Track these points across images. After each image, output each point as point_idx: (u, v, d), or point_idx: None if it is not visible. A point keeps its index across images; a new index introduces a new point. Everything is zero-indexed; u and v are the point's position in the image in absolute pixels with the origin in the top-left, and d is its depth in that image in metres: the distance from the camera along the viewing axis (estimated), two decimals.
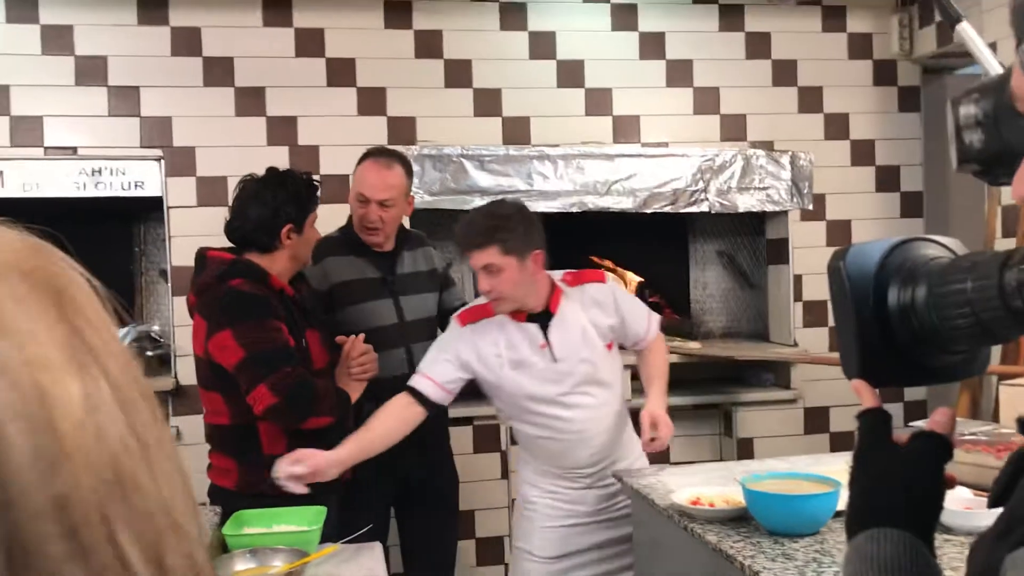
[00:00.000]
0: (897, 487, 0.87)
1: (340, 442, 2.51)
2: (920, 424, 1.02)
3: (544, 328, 2.56)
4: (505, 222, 2.42)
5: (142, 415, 0.41)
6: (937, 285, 0.91)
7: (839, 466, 2.25)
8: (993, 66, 1.90)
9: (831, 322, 3.85)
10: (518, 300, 2.50)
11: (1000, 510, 0.71)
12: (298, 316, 2.59)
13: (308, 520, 2.29)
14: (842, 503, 2.04)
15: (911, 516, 0.85)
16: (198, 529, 0.43)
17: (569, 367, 2.57)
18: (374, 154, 2.86)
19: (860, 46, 3.93)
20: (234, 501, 2.38)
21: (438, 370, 2.57)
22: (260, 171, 2.65)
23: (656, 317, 2.72)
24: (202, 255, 2.59)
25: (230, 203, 2.57)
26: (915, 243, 0.98)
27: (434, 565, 2.91)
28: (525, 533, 2.71)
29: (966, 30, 1.98)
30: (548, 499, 2.68)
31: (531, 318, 2.55)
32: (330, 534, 2.34)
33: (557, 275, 2.61)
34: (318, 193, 2.62)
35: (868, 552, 0.83)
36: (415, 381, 2.57)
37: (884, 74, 3.94)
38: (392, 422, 2.56)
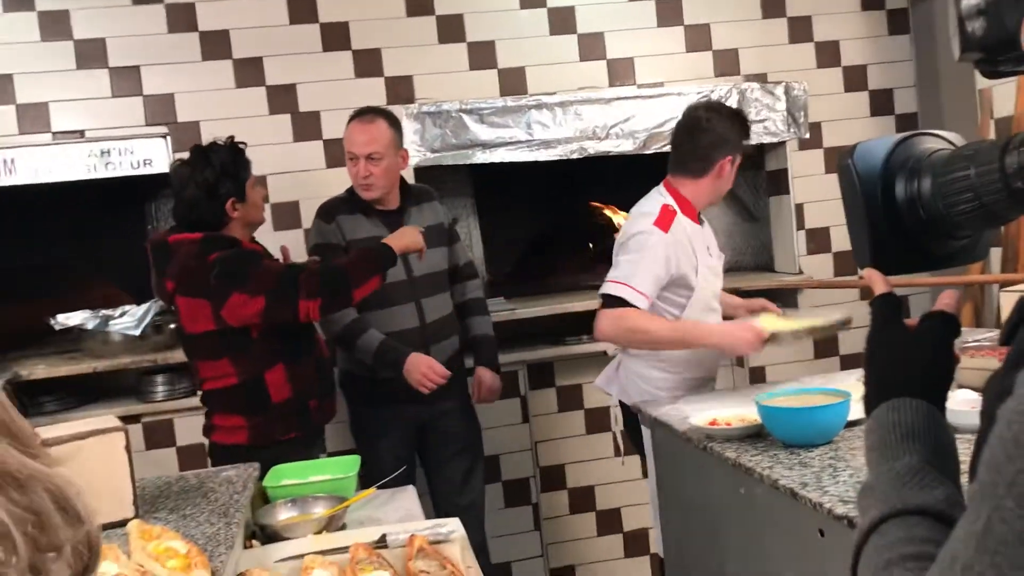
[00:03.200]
0: (912, 361, 0.93)
1: (326, 371, 2.85)
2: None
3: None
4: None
5: None
6: (941, 175, 0.98)
7: (850, 382, 2.34)
8: None
9: (835, 247, 3.92)
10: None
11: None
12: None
13: (343, 469, 2.40)
14: (853, 413, 2.13)
15: (926, 387, 0.92)
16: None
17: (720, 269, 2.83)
18: (358, 113, 2.96)
19: None
20: (247, 455, 2.54)
21: (648, 283, 2.59)
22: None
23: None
24: (162, 242, 2.71)
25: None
26: (918, 138, 1.05)
27: (463, 509, 3.03)
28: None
29: None
30: None
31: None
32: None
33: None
34: (246, 155, 2.72)
35: (889, 420, 0.90)
36: (632, 297, 2.56)
37: None
38: None
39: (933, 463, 0.85)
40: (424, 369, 2.90)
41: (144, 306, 3.39)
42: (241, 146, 2.74)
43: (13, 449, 0.56)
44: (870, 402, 0.96)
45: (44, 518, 0.57)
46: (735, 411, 2.32)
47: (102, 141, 3.41)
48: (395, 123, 3.00)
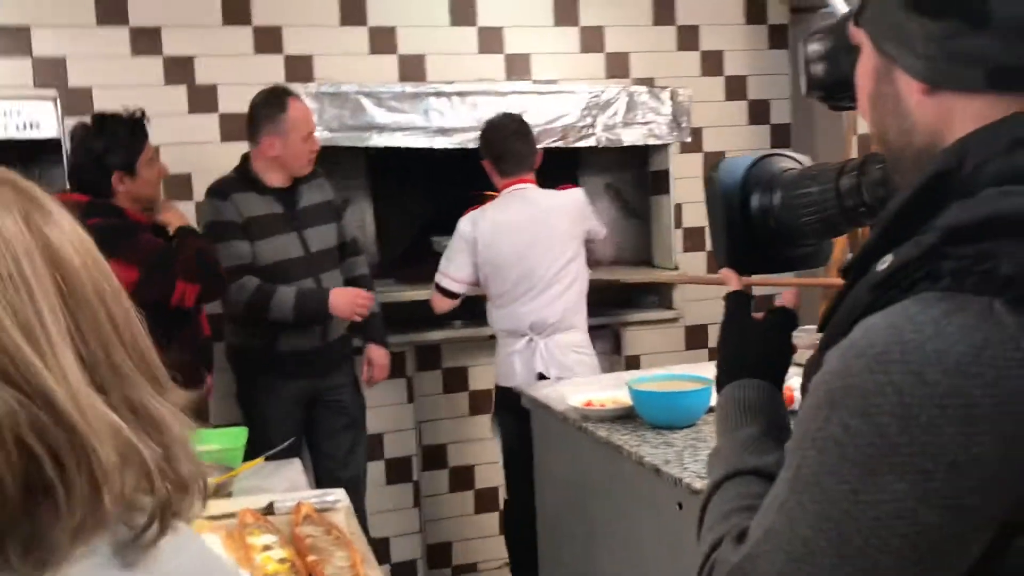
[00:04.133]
0: (755, 348, 1.09)
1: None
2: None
3: None
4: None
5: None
6: (789, 191, 1.14)
7: (714, 372, 2.54)
8: (839, 5, 2.16)
9: (708, 247, 4.16)
10: None
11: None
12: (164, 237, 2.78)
13: (231, 440, 2.45)
14: (714, 399, 2.32)
15: (767, 370, 1.09)
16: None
17: None
18: (288, 94, 3.04)
19: None
20: None
21: None
22: (157, 114, 2.79)
23: None
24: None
25: None
26: (774, 158, 1.22)
27: (344, 483, 3.12)
28: None
29: None
30: None
31: None
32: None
33: None
34: (146, 131, 2.75)
35: (735, 396, 1.06)
36: None
37: (755, 13, 4.21)
38: None
39: (769, 433, 1.01)
40: (351, 297, 3.00)
41: None
42: (144, 121, 2.73)
43: (152, 391, 0.60)
44: (720, 382, 1.12)
45: (173, 459, 0.59)
46: (610, 393, 2.49)
47: None
48: None
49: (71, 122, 3.41)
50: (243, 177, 3.05)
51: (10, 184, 0.58)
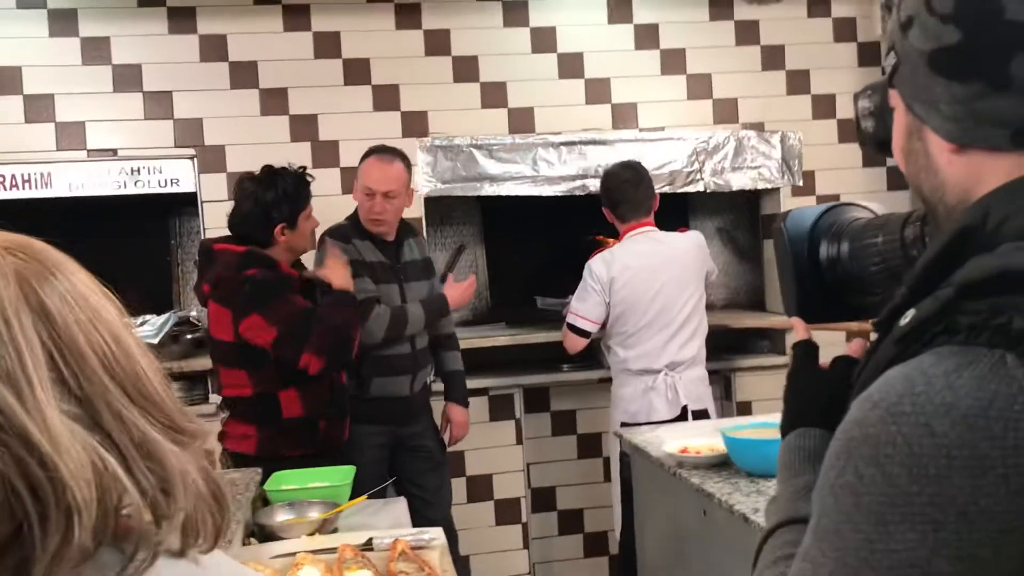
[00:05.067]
0: (819, 397, 1.09)
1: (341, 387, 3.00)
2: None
3: None
4: None
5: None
6: (857, 240, 1.15)
7: None
8: None
9: None
10: None
11: None
12: (308, 295, 2.91)
13: (338, 477, 2.58)
14: None
15: (831, 419, 1.10)
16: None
17: None
18: (377, 151, 3.14)
19: (845, 29, 4.14)
20: (254, 465, 2.63)
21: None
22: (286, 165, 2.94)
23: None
24: (208, 248, 2.89)
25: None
26: (842, 207, 1.23)
27: (436, 522, 3.20)
28: None
29: None
30: None
31: None
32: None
33: None
34: (310, 188, 2.89)
35: (796, 445, 1.08)
36: None
37: (868, 56, 4.16)
38: None
39: None
40: (460, 292, 3.26)
41: (163, 316, 3.60)
42: (309, 178, 2.91)
43: (161, 431, 0.66)
44: (784, 430, 1.14)
45: (172, 493, 0.65)
46: (705, 440, 2.49)
47: (133, 160, 3.64)
48: (409, 165, 3.18)
49: (207, 177, 3.71)
50: (355, 225, 3.21)
51: (15, 251, 0.66)
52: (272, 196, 2.80)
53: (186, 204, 3.85)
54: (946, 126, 0.80)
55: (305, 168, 2.91)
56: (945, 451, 0.69)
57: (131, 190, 3.64)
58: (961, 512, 0.68)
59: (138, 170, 3.65)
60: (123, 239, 4.17)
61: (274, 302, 2.74)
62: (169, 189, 3.69)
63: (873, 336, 0.89)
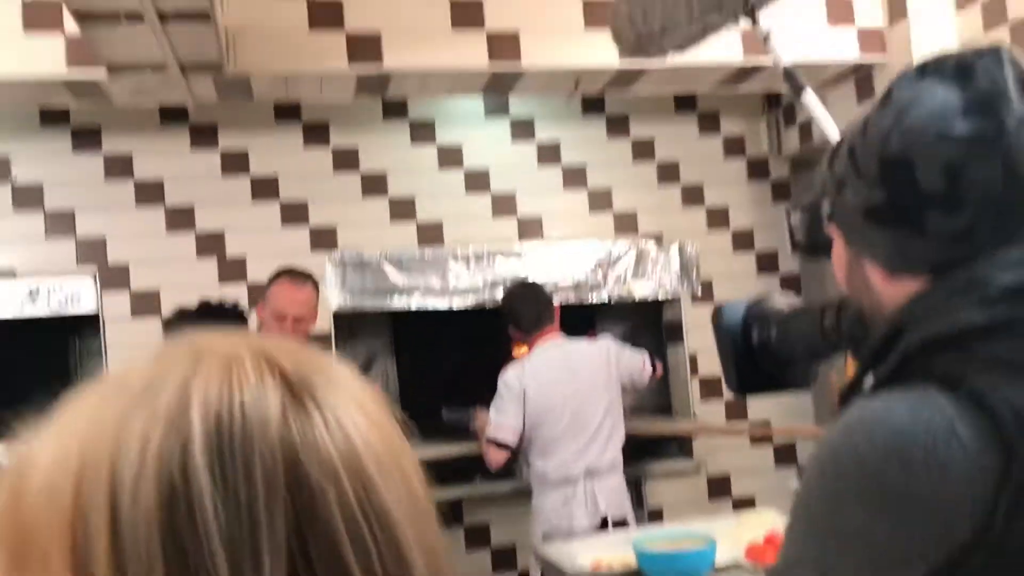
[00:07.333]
0: None
1: None
2: None
3: None
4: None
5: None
6: (782, 326, 1.36)
7: (728, 526, 2.57)
8: (831, 130, 2.30)
9: (727, 395, 4.21)
10: None
11: None
12: None
13: None
14: (718, 557, 2.34)
15: None
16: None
17: None
18: (288, 274, 3.09)
19: (734, 146, 4.40)
20: None
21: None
22: (189, 285, 2.95)
23: None
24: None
25: (162, 318, 2.85)
26: (768, 298, 1.42)
27: None
28: None
29: (809, 97, 2.42)
30: None
31: None
32: None
33: None
34: (247, 324, 2.91)
35: None
36: None
37: (757, 170, 4.41)
38: None
39: None
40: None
41: None
42: (243, 312, 2.91)
43: None
44: None
45: None
46: (618, 553, 2.51)
47: (32, 277, 3.56)
48: (317, 287, 3.13)
49: (109, 295, 3.64)
50: None
51: (280, 368, 0.49)
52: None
53: (87, 325, 3.76)
54: (880, 260, 0.99)
55: (237, 304, 2.92)
56: (854, 470, 0.87)
57: (29, 311, 3.55)
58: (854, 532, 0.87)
59: (37, 290, 3.57)
60: (21, 361, 4.04)
61: None
62: (69, 309, 3.61)
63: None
